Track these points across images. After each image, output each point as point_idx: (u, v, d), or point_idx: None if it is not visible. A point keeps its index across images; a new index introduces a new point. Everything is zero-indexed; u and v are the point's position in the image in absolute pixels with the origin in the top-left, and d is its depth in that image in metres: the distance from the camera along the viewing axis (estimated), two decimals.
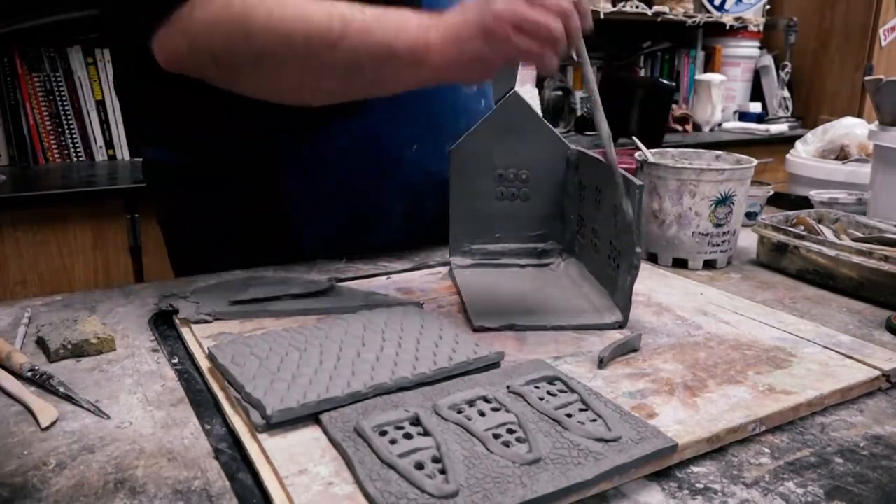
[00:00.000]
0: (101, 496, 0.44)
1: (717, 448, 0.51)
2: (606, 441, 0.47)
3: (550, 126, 0.81)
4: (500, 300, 0.70)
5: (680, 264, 0.90)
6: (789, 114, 2.90)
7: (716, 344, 0.66)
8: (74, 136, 1.91)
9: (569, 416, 0.50)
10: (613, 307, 0.69)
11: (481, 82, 0.70)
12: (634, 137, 0.92)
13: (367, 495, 0.42)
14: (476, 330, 0.67)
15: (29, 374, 0.57)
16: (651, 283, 0.82)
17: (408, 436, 0.48)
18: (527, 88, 2.47)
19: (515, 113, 0.78)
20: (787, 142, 2.14)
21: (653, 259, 0.92)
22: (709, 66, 2.98)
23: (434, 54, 0.65)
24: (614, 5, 2.58)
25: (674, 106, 2.70)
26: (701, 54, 2.97)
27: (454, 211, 0.85)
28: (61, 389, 0.56)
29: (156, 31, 0.69)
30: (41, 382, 0.57)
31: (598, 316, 0.68)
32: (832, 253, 0.82)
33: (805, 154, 1.45)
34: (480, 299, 0.71)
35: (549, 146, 0.81)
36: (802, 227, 0.91)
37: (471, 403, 0.52)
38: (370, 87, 0.71)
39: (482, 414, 0.50)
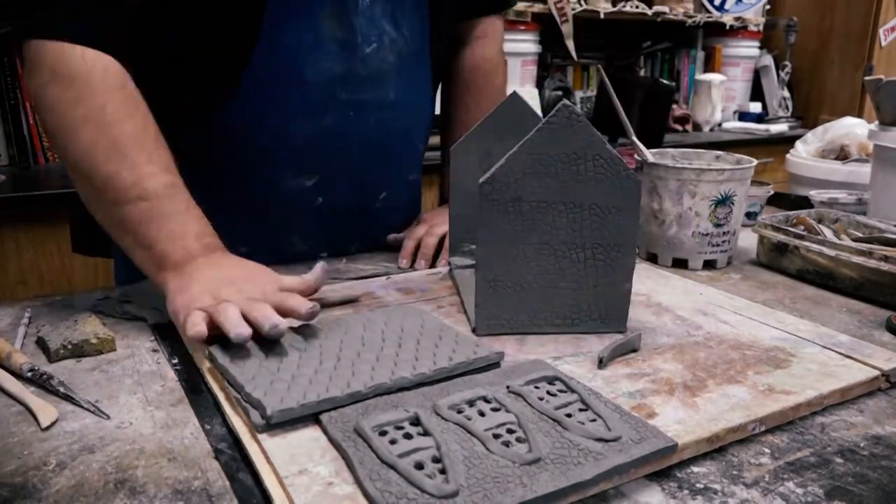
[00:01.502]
0: (101, 496, 0.44)
1: (717, 448, 0.51)
2: (606, 441, 0.47)
3: None
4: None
5: (680, 264, 0.90)
6: (789, 114, 2.91)
7: (716, 344, 0.66)
8: None
9: (569, 416, 0.50)
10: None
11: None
12: (634, 138, 0.91)
13: (367, 495, 0.42)
14: (477, 333, 0.67)
15: (29, 374, 0.57)
16: (651, 283, 0.82)
17: (408, 436, 0.48)
18: (527, 88, 2.47)
19: (515, 113, 0.78)
20: (787, 142, 2.14)
21: (653, 259, 0.92)
22: (709, 66, 2.98)
23: (168, 283, 0.66)
24: (614, 5, 2.58)
25: (674, 106, 2.70)
26: (701, 54, 2.97)
27: (454, 211, 0.85)
28: (61, 389, 0.56)
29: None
30: (41, 382, 0.57)
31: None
32: (832, 253, 0.82)
33: (805, 154, 1.45)
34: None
35: None
36: (802, 227, 0.91)
37: (471, 403, 0.52)
38: (124, 249, 0.71)
39: (482, 414, 0.50)
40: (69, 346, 0.62)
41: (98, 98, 0.68)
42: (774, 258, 0.90)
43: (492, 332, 0.67)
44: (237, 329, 0.57)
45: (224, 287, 0.64)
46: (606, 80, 0.86)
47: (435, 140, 1.07)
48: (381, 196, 0.96)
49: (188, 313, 0.60)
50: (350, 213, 0.93)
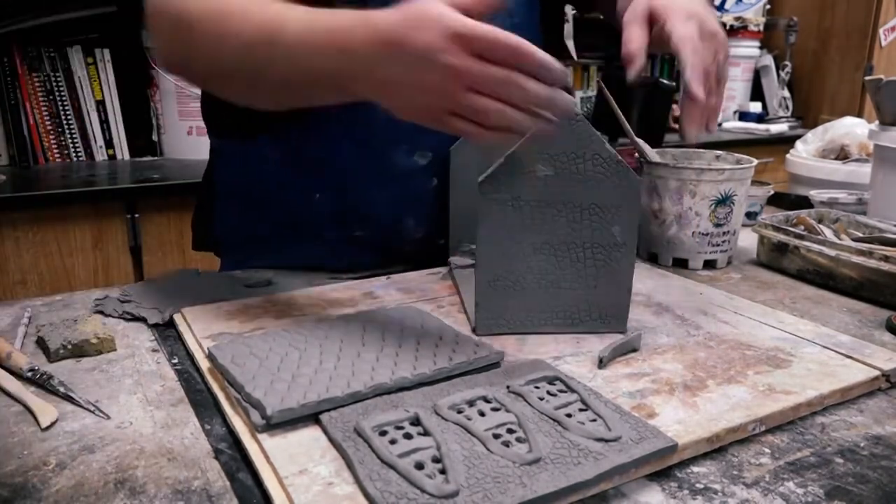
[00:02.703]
0: (101, 496, 0.44)
1: (717, 448, 0.51)
2: (606, 441, 0.47)
3: None
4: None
5: (680, 264, 0.90)
6: (789, 114, 2.90)
7: (716, 344, 0.66)
8: (74, 136, 1.91)
9: (569, 416, 0.50)
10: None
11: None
12: (637, 137, 0.91)
13: (367, 495, 0.42)
14: (477, 333, 0.67)
15: (29, 374, 0.57)
16: (651, 283, 0.82)
17: (408, 436, 0.48)
18: None
19: None
20: (787, 142, 2.14)
21: (653, 259, 0.92)
22: None
23: (361, 83, 0.59)
24: None
25: (674, 106, 2.70)
26: None
27: (454, 211, 0.85)
28: (61, 389, 0.56)
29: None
30: (41, 382, 0.57)
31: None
32: (832, 253, 0.82)
33: (805, 154, 1.45)
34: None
35: None
36: (802, 227, 0.91)
37: (471, 403, 0.52)
38: (302, 102, 0.68)
39: (482, 414, 0.50)
40: (69, 346, 0.62)
41: None
42: (774, 258, 0.90)
43: (492, 332, 0.67)
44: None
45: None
46: (605, 88, 0.85)
47: None
48: None
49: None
50: None
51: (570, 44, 2.47)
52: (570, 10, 2.43)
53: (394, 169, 0.85)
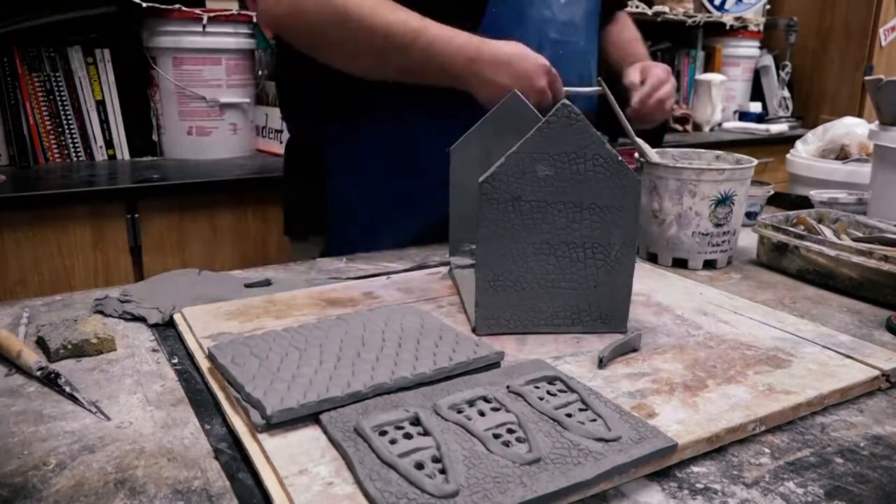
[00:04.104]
0: (101, 496, 0.44)
1: (717, 448, 0.51)
2: (606, 441, 0.47)
3: None
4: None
5: (680, 264, 0.90)
6: (789, 114, 2.90)
7: (715, 344, 0.66)
8: (74, 136, 1.91)
9: (569, 415, 0.50)
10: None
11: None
12: (637, 139, 0.91)
13: (367, 495, 0.42)
14: (478, 333, 0.67)
15: (38, 373, 0.58)
16: (651, 283, 0.82)
17: (408, 436, 0.48)
18: None
19: (515, 113, 0.78)
20: (787, 142, 2.14)
21: (653, 259, 0.92)
22: (709, 66, 2.98)
23: (474, 82, 0.91)
24: None
25: (674, 106, 2.70)
26: (701, 54, 2.97)
27: (454, 210, 0.85)
28: (67, 389, 0.56)
29: None
30: (49, 381, 0.57)
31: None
32: (832, 253, 0.82)
33: (805, 154, 1.45)
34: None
35: None
36: (802, 227, 0.91)
37: (471, 403, 0.52)
38: (414, 77, 0.94)
39: (482, 414, 0.50)
40: (69, 346, 0.62)
41: None
42: (774, 258, 0.90)
43: (492, 332, 0.67)
44: None
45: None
46: (606, 88, 0.88)
47: None
48: None
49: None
50: None
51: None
52: None
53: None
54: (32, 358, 0.59)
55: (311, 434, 0.49)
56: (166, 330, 0.69)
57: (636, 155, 0.92)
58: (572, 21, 1.08)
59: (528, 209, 0.65)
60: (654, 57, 2.91)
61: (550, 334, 0.67)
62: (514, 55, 0.90)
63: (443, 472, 0.44)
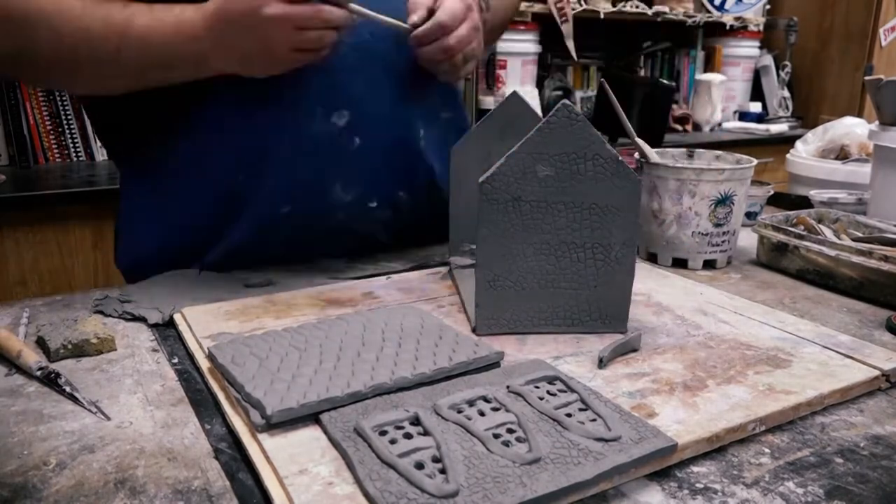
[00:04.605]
0: (101, 496, 0.44)
1: (717, 448, 0.51)
2: (606, 441, 0.47)
3: None
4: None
5: (680, 264, 0.90)
6: (789, 114, 2.91)
7: (715, 344, 0.66)
8: (74, 136, 1.91)
9: (569, 415, 0.50)
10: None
11: (273, 73, 0.74)
12: (637, 139, 0.91)
13: (367, 495, 0.42)
14: (478, 333, 0.67)
15: (38, 373, 0.58)
16: (651, 283, 0.82)
17: (408, 436, 0.48)
18: (527, 88, 2.47)
19: (515, 113, 0.78)
20: (787, 142, 2.14)
21: (653, 259, 0.92)
22: (709, 66, 2.99)
23: (212, 59, 0.72)
24: (614, 5, 2.58)
25: (674, 106, 2.70)
26: (701, 54, 2.97)
27: (454, 210, 0.85)
28: (67, 389, 0.56)
29: None
30: (50, 381, 0.57)
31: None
32: (832, 253, 0.82)
33: (805, 154, 1.45)
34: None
35: None
36: (802, 227, 0.91)
37: (471, 403, 0.52)
38: (168, 80, 0.76)
39: (482, 414, 0.50)
40: (69, 346, 0.62)
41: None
42: (774, 258, 0.91)
43: (492, 332, 0.67)
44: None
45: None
46: (607, 87, 0.86)
47: None
48: (421, 134, 0.88)
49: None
50: (392, 154, 0.86)
51: (570, 44, 2.47)
52: (569, 10, 2.43)
53: (311, 134, 0.81)
54: (32, 358, 0.59)
55: (311, 434, 0.49)
56: (166, 330, 0.69)
57: (636, 155, 0.92)
58: None
59: (528, 209, 0.65)
60: (654, 57, 2.92)
61: (550, 334, 0.67)
62: (233, 9, 0.70)
63: (443, 471, 0.44)
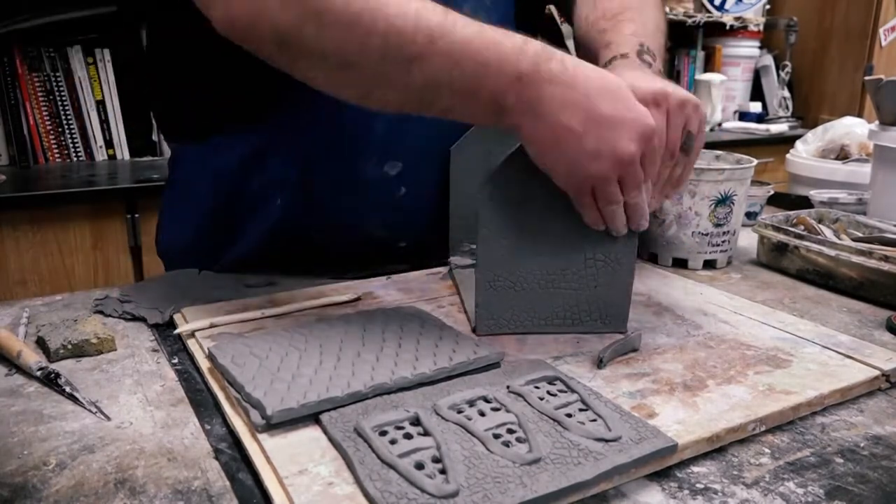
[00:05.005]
0: (101, 496, 0.44)
1: (717, 448, 0.51)
2: (606, 441, 0.47)
3: None
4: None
5: (680, 264, 0.90)
6: (789, 114, 2.90)
7: (715, 344, 0.66)
8: (74, 136, 1.91)
9: (569, 416, 0.50)
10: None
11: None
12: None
13: (367, 495, 0.42)
14: (478, 333, 0.67)
15: (38, 373, 0.58)
16: (651, 283, 0.82)
17: (408, 436, 0.48)
18: None
19: None
20: (787, 142, 2.14)
21: (653, 259, 0.92)
22: (709, 66, 2.98)
23: (524, 121, 0.57)
24: None
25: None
26: (701, 54, 2.97)
27: (454, 211, 0.85)
28: (67, 389, 0.56)
29: None
30: (50, 381, 0.57)
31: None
32: (832, 253, 0.82)
33: (805, 154, 1.45)
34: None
35: None
36: (802, 227, 0.91)
37: (471, 403, 0.52)
38: (440, 114, 0.61)
39: (482, 414, 0.50)
40: (69, 346, 0.62)
41: None
42: (774, 258, 0.90)
43: (492, 332, 0.67)
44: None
45: (603, 142, 0.55)
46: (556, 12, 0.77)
47: None
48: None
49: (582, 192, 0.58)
50: (432, 201, 0.84)
51: (571, 44, 2.47)
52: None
53: (362, 178, 0.81)
54: (32, 358, 0.59)
55: (311, 434, 0.49)
56: (166, 330, 0.69)
57: None
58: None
59: (528, 210, 0.64)
60: None
61: (550, 334, 0.67)
62: (603, 88, 0.57)
63: (443, 472, 0.44)
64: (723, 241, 0.89)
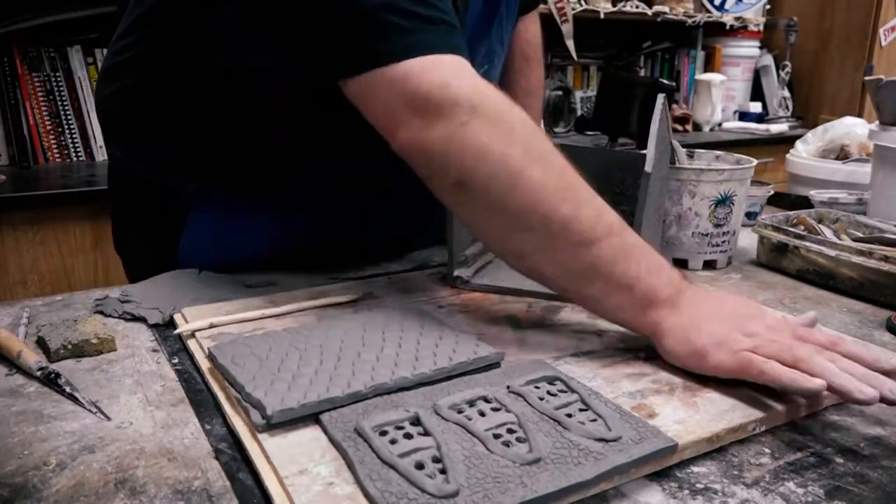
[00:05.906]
0: (101, 496, 0.44)
1: (718, 448, 0.51)
2: (606, 441, 0.47)
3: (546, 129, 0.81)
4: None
5: (680, 264, 0.90)
6: (789, 114, 2.91)
7: None
8: (74, 136, 1.91)
9: (569, 415, 0.50)
10: None
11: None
12: (675, 142, 0.91)
13: (367, 495, 0.42)
14: (455, 284, 0.67)
15: (38, 373, 0.58)
16: None
17: (408, 436, 0.48)
18: None
19: None
20: (787, 142, 2.14)
21: None
22: (709, 66, 2.99)
23: (664, 321, 0.60)
24: (614, 5, 2.58)
25: (674, 106, 2.70)
26: (701, 54, 2.97)
27: (455, 219, 0.85)
28: (67, 389, 0.56)
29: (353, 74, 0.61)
30: (50, 381, 0.57)
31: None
32: (832, 253, 0.82)
33: (805, 154, 1.45)
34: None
35: None
36: (802, 227, 0.91)
37: (471, 403, 0.52)
38: (583, 300, 0.65)
39: (482, 414, 0.50)
40: (69, 346, 0.62)
41: (526, 131, 0.61)
42: (774, 258, 0.90)
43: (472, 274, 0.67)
44: (864, 390, 0.51)
45: (744, 321, 0.59)
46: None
47: None
48: None
49: (745, 359, 0.55)
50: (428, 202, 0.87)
51: (571, 44, 2.47)
52: (570, 10, 2.43)
53: (392, 227, 0.90)
54: (32, 358, 0.59)
55: (311, 434, 0.49)
56: (166, 330, 0.69)
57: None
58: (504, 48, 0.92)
59: None
60: (654, 57, 2.92)
61: (550, 334, 0.67)
62: (741, 302, 0.63)
63: (443, 472, 0.44)
64: (723, 242, 0.89)
